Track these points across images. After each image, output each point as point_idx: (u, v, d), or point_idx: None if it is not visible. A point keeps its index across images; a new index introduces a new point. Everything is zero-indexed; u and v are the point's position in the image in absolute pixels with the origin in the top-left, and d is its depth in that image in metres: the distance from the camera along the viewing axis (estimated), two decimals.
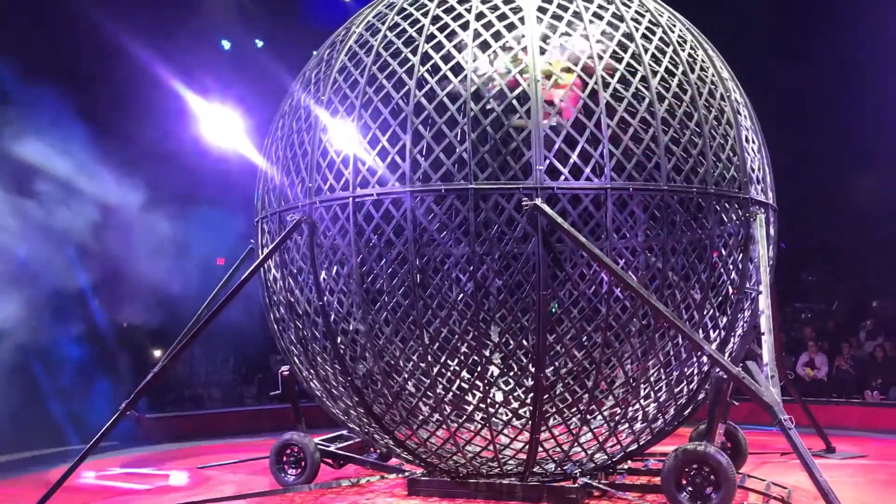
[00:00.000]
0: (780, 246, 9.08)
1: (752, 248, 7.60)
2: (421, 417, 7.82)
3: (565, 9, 7.40)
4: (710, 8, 14.55)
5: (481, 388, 7.46)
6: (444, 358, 8.60)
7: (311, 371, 8.17)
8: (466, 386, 8.66)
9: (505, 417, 8.26)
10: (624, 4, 7.63)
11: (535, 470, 7.66)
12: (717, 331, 7.70)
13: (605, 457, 7.85)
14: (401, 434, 7.88)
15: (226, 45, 17.36)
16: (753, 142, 8.00)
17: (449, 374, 9.13)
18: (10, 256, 12.14)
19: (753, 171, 7.83)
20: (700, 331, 7.49)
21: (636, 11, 7.64)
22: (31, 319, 12.05)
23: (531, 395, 7.33)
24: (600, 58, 7.16)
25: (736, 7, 17.28)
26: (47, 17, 14.17)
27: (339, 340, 7.68)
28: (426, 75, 7.26)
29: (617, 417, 7.59)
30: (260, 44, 17.79)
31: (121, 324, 15.40)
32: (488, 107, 7.33)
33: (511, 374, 9.23)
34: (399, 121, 7.21)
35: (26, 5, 13.95)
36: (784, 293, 15.30)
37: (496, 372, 8.64)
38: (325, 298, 7.62)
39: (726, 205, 7.59)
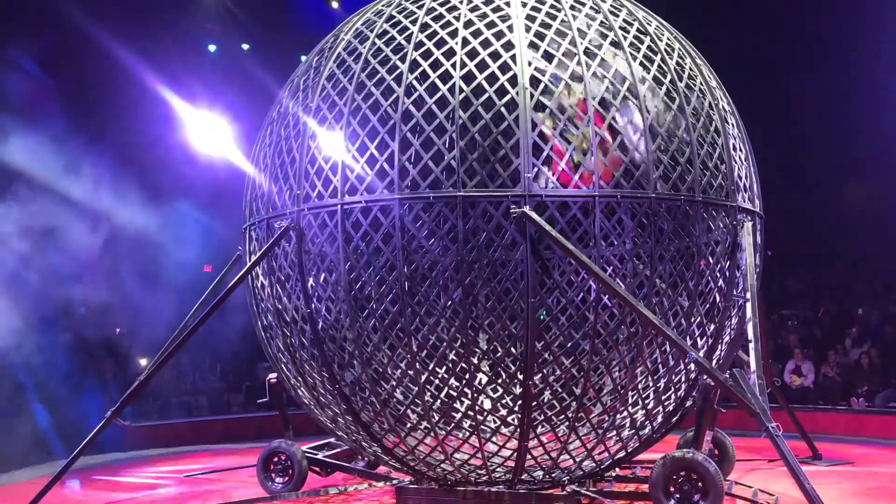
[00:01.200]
0: (767, 253, 9.13)
1: (740, 255, 7.63)
2: (409, 425, 7.81)
3: (554, 17, 7.43)
4: (698, 17, 14.64)
5: (469, 396, 7.45)
6: (432, 365, 8.59)
7: (299, 379, 8.15)
8: (455, 393, 8.65)
9: (493, 425, 8.25)
10: (612, 13, 7.66)
11: (523, 478, 7.65)
12: (705, 338, 7.72)
13: (594, 464, 7.85)
14: (389, 442, 7.85)
15: (212, 48, 17.32)
16: (741, 150, 8.04)
17: (437, 381, 9.12)
18: None
19: (741, 179, 7.87)
20: (688, 338, 7.51)
21: (624, 20, 7.67)
22: (16, 327, 11.98)
23: (519, 402, 7.33)
24: (588, 66, 7.19)
25: (724, 15, 17.39)
26: (33, 20, 14.12)
27: (326, 348, 7.66)
28: (415, 83, 7.26)
29: (605, 425, 7.60)
30: (246, 47, 17.77)
31: (115, 330, 15.31)
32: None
33: (499, 381, 9.23)
34: (387, 128, 7.21)
35: (11, 9, 13.89)
36: (770, 300, 15.38)
37: (484, 380, 8.63)
38: (313, 306, 7.60)
39: (714, 213, 7.62)
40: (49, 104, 13.45)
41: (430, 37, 7.37)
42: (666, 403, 7.74)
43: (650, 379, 7.72)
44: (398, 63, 7.32)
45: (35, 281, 12.35)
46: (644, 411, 7.68)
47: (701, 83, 7.79)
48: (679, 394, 7.76)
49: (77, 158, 13.04)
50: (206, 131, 14.42)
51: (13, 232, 12.16)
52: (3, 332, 11.64)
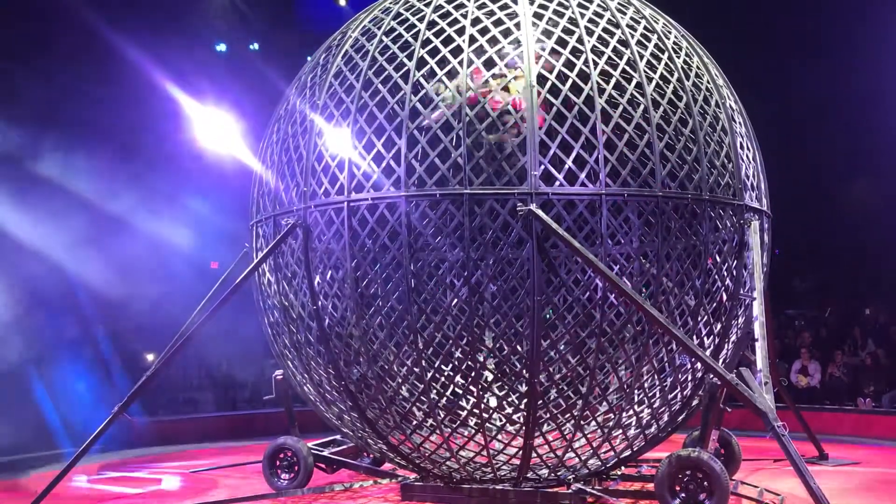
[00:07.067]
0: (774, 252, 9.11)
1: (747, 254, 7.61)
2: (414, 422, 7.81)
3: (561, 15, 7.42)
4: (705, 14, 14.61)
5: (475, 394, 7.45)
6: (438, 363, 8.61)
7: (305, 375, 8.16)
8: (460, 391, 8.66)
9: (499, 423, 8.25)
10: (620, 11, 7.65)
11: (528, 476, 7.65)
12: (712, 337, 7.70)
13: (599, 463, 7.85)
14: (394, 439, 7.87)
15: (221, 48, 17.33)
16: (748, 149, 8.02)
17: (443, 379, 9.12)
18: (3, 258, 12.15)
19: (748, 177, 7.85)
20: (694, 337, 7.49)
21: (631, 18, 7.66)
22: (24, 322, 12.03)
23: (525, 400, 7.33)
24: (595, 64, 7.18)
25: (730, 12, 17.34)
26: (42, 19, 14.15)
27: (332, 345, 7.67)
28: (422, 80, 7.26)
29: (611, 423, 7.59)
30: (255, 46, 17.77)
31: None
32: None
33: (505, 379, 9.23)
34: (394, 126, 7.22)
35: (19, 6, 13.92)
36: (777, 300, 15.32)
37: (490, 377, 8.63)
38: (320, 303, 7.62)
39: (721, 211, 7.60)
40: (57, 100, 13.49)
41: (437, 34, 7.37)
42: (672, 402, 7.74)
43: (656, 378, 7.71)
44: (405, 60, 7.32)
45: (43, 277, 12.43)
46: (650, 410, 7.67)
47: (708, 81, 7.78)
48: (685, 393, 7.75)
49: (83, 155, 13.09)
50: (214, 128, 14.43)
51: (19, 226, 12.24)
52: (11, 324, 11.72)
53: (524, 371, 7.46)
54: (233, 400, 16.15)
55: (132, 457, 12.08)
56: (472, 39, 7.27)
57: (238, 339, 14.08)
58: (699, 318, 7.52)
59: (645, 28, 7.64)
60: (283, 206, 7.91)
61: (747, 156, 7.94)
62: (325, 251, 7.73)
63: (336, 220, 7.38)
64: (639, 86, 7.27)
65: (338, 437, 9.44)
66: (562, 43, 7.27)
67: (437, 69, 7.26)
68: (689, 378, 7.69)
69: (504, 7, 7.51)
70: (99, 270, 13.24)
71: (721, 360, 7.75)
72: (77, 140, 13.20)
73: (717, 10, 16.75)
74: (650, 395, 7.69)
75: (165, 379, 13.30)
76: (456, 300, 8.93)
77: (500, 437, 7.89)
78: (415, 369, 7.62)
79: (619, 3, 7.76)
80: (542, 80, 7.14)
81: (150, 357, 14.07)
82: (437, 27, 7.41)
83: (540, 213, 6.80)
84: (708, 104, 7.63)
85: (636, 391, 7.57)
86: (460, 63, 7.16)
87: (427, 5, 7.62)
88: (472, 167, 7.07)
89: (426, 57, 7.28)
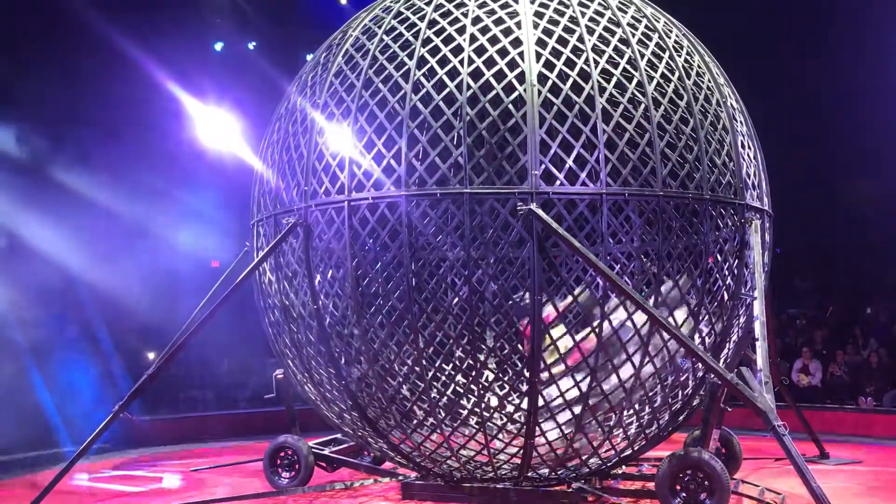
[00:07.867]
0: (776, 251, 9.11)
1: (748, 253, 7.61)
2: (415, 421, 7.81)
3: (562, 14, 7.41)
4: (706, 13, 14.59)
5: (476, 393, 7.45)
6: (438, 362, 8.60)
7: (306, 374, 8.16)
8: (461, 390, 8.65)
9: (499, 422, 8.25)
10: (620, 10, 7.65)
11: (529, 474, 7.65)
12: (713, 336, 7.70)
13: (600, 462, 7.84)
14: (395, 438, 7.86)
15: (218, 47, 17.32)
16: (749, 147, 8.01)
17: (444, 378, 9.12)
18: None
19: (749, 176, 7.84)
20: (695, 336, 7.48)
21: (632, 17, 7.66)
22: (24, 320, 12.04)
23: (526, 399, 7.32)
24: (596, 63, 7.17)
25: (731, 10, 17.33)
26: (42, 18, 14.16)
27: (333, 344, 7.67)
28: (422, 79, 7.26)
29: (611, 423, 7.58)
30: (252, 45, 17.75)
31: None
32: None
33: (506, 378, 9.23)
34: (395, 125, 7.22)
35: (18, 5, 13.92)
36: (778, 299, 15.31)
37: (491, 376, 8.63)
38: (320, 302, 7.61)
39: (722, 210, 7.60)
40: (56, 102, 13.51)
41: (438, 33, 7.36)
42: (672, 401, 7.73)
43: (657, 377, 7.70)
44: (406, 59, 7.32)
45: (43, 274, 12.44)
46: (651, 409, 7.66)
47: (709, 80, 7.77)
48: (686, 392, 7.74)
49: (86, 153, 13.12)
50: (215, 127, 14.44)
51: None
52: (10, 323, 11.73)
53: (525, 370, 7.44)
54: (234, 399, 16.15)
55: (133, 455, 12.09)
56: (473, 38, 7.26)
57: (239, 338, 14.11)
58: (700, 318, 7.51)
59: (646, 27, 7.63)
60: (283, 206, 7.91)
61: (748, 154, 7.93)
62: (325, 250, 7.73)
63: (337, 220, 7.38)
64: (640, 85, 7.26)
65: (338, 435, 9.45)
66: (562, 42, 7.26)
67: (437, 68, 7.25)
68: (690, 377, 7.69)
69: (505, 6, 7.50)
70: (100, 269, 13.25)
71: (722, 360, 7.75)
72: (76, 140, 13.21)
73: (717, 9, 16.74)
74: (651, 394, 7.68)
75: (166, 377, 13.30)
76: (457, 299, 8.93)
77: (500, 436, 7.88)
78: (415, 368, 7.62)
79: (619, 2, 7.75)
80: (542, 79, 7.13)
81: (150, 356, 14.07)
82: (438, 26, 7.40)
83: (540, 212, 6.79)
84: (709, 103, 7.62)
85: (637, 390, 7.55)
86: (461, 62, 7.15)
87: (428, 4, 7.62)
88: (472, 166, 7.06)
89: (427, 56, 7.27)
